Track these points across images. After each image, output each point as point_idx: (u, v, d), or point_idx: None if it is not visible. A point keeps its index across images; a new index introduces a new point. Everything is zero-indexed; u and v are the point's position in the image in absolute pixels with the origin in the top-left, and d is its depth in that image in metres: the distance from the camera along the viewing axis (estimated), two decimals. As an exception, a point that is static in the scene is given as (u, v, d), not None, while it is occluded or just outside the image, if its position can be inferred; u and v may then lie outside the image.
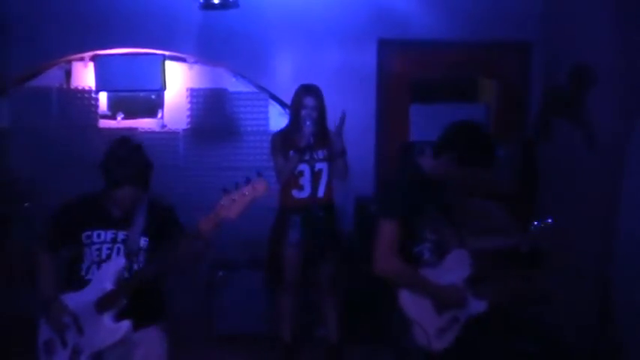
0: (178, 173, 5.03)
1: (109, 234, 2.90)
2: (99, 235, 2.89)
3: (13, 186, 4.66)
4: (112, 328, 2.77)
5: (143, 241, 2.92)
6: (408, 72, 5.22)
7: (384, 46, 5.16)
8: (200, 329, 4.70)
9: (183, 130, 5.06)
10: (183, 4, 4.85)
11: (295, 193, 4.10)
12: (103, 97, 5.02)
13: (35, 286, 2.95)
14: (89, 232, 2.89)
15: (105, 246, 2.89)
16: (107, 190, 2.88)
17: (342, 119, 4.01)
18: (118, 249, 2.89)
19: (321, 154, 4.08)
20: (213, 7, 4.68)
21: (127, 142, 2.96)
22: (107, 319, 2.77)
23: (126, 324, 2.77)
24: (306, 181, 4.06)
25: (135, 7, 4.90)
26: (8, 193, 4.59)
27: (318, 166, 4.05)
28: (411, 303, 2.89)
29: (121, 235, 2.90)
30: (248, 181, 2.60)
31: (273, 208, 4.23)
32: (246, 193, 2.60)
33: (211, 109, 5.05)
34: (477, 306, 3.00)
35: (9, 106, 4.92)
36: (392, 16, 5.10)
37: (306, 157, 3.98)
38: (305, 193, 4.08)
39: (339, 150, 4.07)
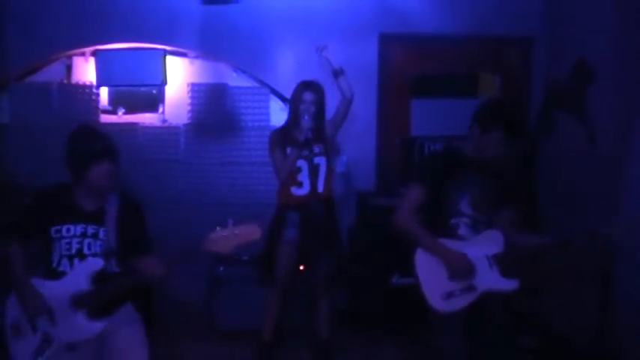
0: (179, 168, 5.04)
1: (79, 228, 2.90)
2: (68, 230, 2.90)
3: (13, 181, 4.65)
4: (86, 326, 2.81)
5: (116, 237, 2.93)
6: (410, 67, 5.22)
7: (386, 40, 5.16)
8: (202, 324, 4.71)
9: (184, 125, 5.06)
10: (184, -1, 4.85)
11: (294, 190, 4.08)
12: (103, 92, 5.01)
13: (8, 272, 2.95)
14: (58, 227, 2.90)
15: (74, 240, 2.89)
16: (78, 177, 2.88)
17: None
18: (88, 243, 2.89)
19: (317, 148, 4.06)
20: (214, 1, 4.68)
21: (87, 126, 3.08)
22: (81, 316, 2.81)
23: (99, 325, 2.82)
24: (304, 177, 4.02)
25: (136, 2, 4.90)
26: (8, 188, 4.58)
27: (316, 160, 4.03)
28: (423, 264, 3.12)
29: (90, 229, 2.91)
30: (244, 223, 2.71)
31: (275, 204, 4.23)
32: (238, 232, 2.70)
33: (212, 104, 5.05)
34: (506, 284, 3.14)
35: (9, 102, 4.91)
36: (393, 10, 5.09)
37: (305, 153, 3.95)
38: (304, 190, 4.04)
39: (335, 71, 4.16)
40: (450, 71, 5.24)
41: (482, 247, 3.13)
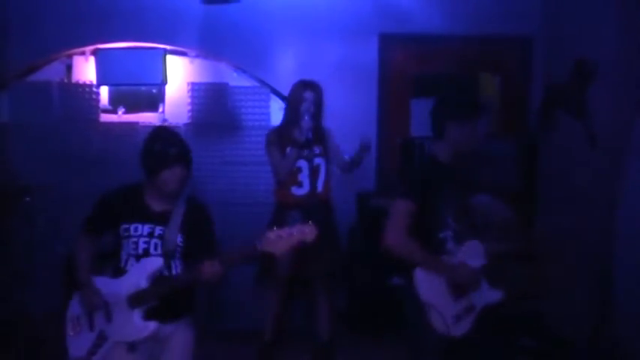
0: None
1: (147, 228, 2.89)
2: (136, 229, 2.89)
3: (14, 181, 4.65)
4: (140, 326, 2.81)
5: (179, 239, 2.91)
6: (409, 66, 5.22)
7: (385, 40, 5.16)
8: (203, 324, 4.70)
9: (184, 124, 5.05)
10: (184, -2, 4.86)
11: (295, 189, 4.07)
12: (104, 92, 5.01)
13: (74, 265, 3.01)
14: (127, 225, 2.90)
15: (142, 240, 2.89)
16: (150, 178, 2.88)
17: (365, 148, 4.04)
18: (155, 244, 2.89)
19: (317, 149, 4.06)
20: (215, 1, 4.68)
21: (165, 128, 3.05)
22: (137, 315, 2.81)
23: (153, 325, 2.81)
24: (304, 177, 4.02)
25: (136, 1, 4.90)
26: (8, 188, 4.59)
27: (316, 161, 4.04)
28: (427, 287, 2.91)
29: (158, 230, 2.90)
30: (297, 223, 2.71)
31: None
32: (295, 233, 2.65)
33: (212, 104, 5.05)
34: (493, 296, 3.05)
35: (9, 101, 4.91)
36: (393, 10, 5.10)
37: (305, 153, 3.94)
38: (304, 190, 4.04)
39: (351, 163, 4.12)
40: (450, 71, 5.24)
41: (471, 261, 3.00)
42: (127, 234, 2.90)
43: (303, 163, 3.99)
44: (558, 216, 4.64)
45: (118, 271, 2.91)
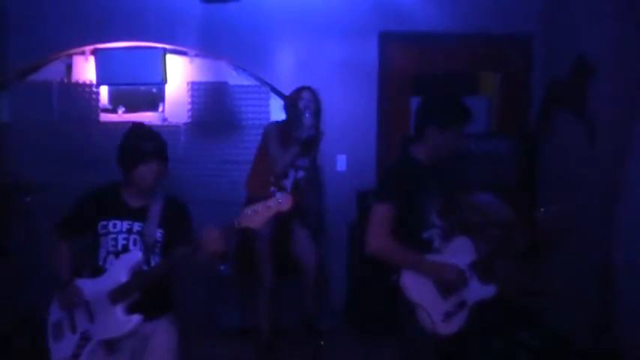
0: (179, 167, 5.02)
1: (125, 224, 2.92)
2: (115, 225, 2.91)
3: (14, 180, 4.65)
4: (123, 320, 2.80)
5: (159, 234, 2.94)
6: (410, 65, 5.21)
7: (385, 39, 5.15)
8: (202, 324, 4.71)
9: (185, 123, 5.06)
10: (183, -3, 4.86)
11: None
12: (104, 91, 5.02)
13: (53, 269, 3.00)
14: (105, 222, 2.92)
15: (121, 236, 2.91)
16: (127, 175, 2.91)
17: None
18: (134, 240, 2.91)
19: (303, 162, 4.08)
20: (214, 0, 4.67)
21: (141, 124, 3.06)
22: (119, 310, 2.81)
23: (136, 317, 2.81)
24: (288, 182, 4.07)
25: (136, 1, 4.90)
26: (8, 187, 4.59)
27: (300, 173, 4.08)
28: (413, 287, 2.93)
29: (136, 226, 2.92)
30: (273, 194, 2.67)
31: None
32: (271, 205, 2.65)
33: (212, 103, 5.05)
34: (485, 291, 3.03)
35: (9, 101, 4.91)
36: (393, 8, 5.09)
37: (301, 163, 3.99)
38: None
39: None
40: (449, 69, 5.24)
41: (459, 257, 3.00)
42: (105, 231, 2.91)
43: (291, 171, 4.02)
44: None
45: (98, 271, 2.91)
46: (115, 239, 2.90)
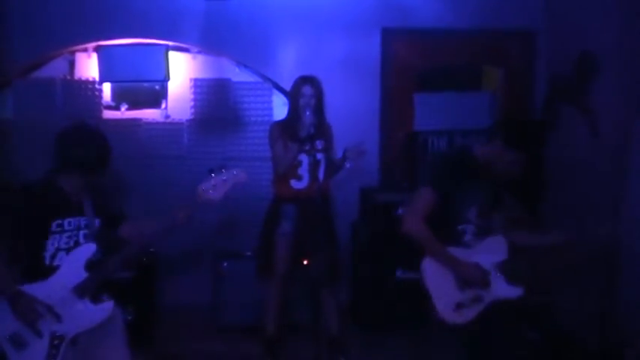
0: (182, 163, 5.04)
1: (74, 221, 2.91)
2: (70, 223, 2.90)
3: (17, 178, 4.65)
4: (95, 310, 2.84)
5: (97, 223, 2.96)
6: (412, 61, 5.21)
7: (388, 35, 5.15)
8: (206, 321, 4.72)
9: (187, 120, 5.06)
10: (186, -6, 4.86)
11: (294, 183, 4.08)
12: (106, 88, 5.01)
13: None
14: (60, 221, 2.87)
15: (73, 233, 2.91)
16: (62, 173, 2.90)
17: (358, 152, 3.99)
18: (84, 234, 2.92)
19: (319, 144, 4.06)
20: (217, -4, 4.67)
21: (84, 125, 3.03)
22: (87, 303, 2.83)
23: (108, 304, 2.86)
24: (304, 171, 4.03)
25: (138, -2, 4.90)
26: (11, 185, 4.59)
27: (318, 156, 4.03)
28: (431, 275, 3.03)
29: (82, 220, 2.93)
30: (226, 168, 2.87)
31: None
32: (227, 178, 2.85)
33: (215, 100, 5.05)
34: (511, 291, 3.07)
35: (13, 98, 4.92)
36: (396, 4, 5.08)
37: (307, 147, 3.95)
38: (303, 183, 4.05)
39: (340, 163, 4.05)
40: (453, 65, 5.23)
41: (487, 255, 3.05)
42: (60, 229, 2.87)
43: (303, 157, 4.00)
44: (562, 209, 4.63)
45: (46, 271, 2.83)
46: (70, 236, 2.89)
